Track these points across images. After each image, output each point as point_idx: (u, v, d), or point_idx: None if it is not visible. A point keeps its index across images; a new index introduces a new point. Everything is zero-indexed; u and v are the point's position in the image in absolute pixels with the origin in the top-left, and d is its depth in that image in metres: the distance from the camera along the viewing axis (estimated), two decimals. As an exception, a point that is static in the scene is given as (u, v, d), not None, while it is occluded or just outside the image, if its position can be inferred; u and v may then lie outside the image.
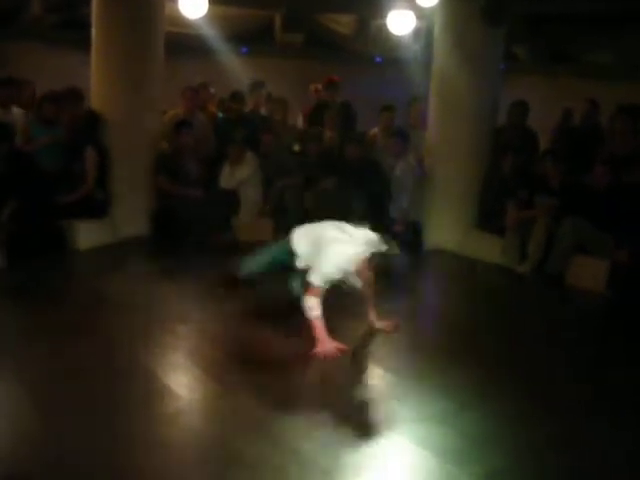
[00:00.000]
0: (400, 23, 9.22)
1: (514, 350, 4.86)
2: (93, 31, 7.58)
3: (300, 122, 9.53)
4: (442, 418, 3.69)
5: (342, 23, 12.40)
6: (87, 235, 7.03)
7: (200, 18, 8.67)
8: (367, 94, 9.98)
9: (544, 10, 8.89)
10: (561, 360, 4.73)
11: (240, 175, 7.81)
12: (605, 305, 6.13)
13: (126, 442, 3.35)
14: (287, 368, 4.30)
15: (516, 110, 7.86)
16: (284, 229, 7.45)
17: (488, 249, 7.28)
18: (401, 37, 9.96)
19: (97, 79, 7.62)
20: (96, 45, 7.59)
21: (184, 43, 10.00)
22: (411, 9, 8.96)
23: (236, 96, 8.74)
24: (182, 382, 4.10)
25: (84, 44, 7.82)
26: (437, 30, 7.84)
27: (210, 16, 8.83)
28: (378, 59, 12.66)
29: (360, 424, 3.62)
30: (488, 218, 7.50)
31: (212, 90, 9.18)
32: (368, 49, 12.45)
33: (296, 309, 4.53)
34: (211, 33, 9.95)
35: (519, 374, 4.40)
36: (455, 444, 3.43)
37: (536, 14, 9.41)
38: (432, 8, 8.05)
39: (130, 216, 7.51)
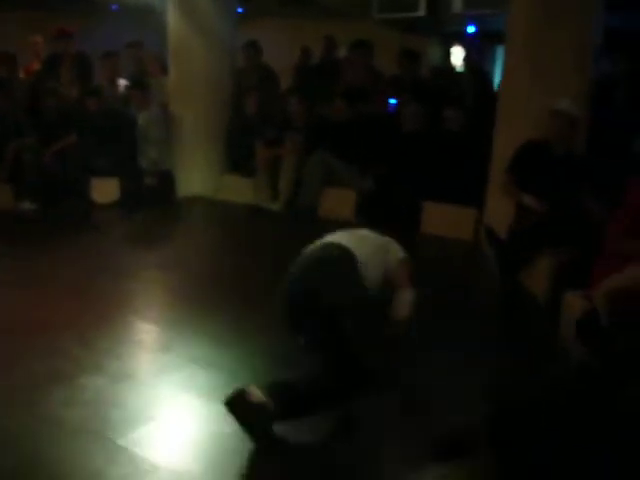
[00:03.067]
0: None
1: (272, 287, 4.93)
2: None
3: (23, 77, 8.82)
4: (204, 359, 3.67)
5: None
6: None
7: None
8: (104, 45, 9.45)
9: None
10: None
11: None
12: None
13: None
14: (52, 341, 3.89)
15: (248, 51, 7.94)
16: (24, 193, 7.04)
17: (241, 191, 7.35)
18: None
19: None
20: None
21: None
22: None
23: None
24: None
25: None
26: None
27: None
28: (114, 7, 12.03)
29: (127, 378, 3.48)
30: (238, 161, 7.54)
31: None
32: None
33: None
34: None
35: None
36: (219, 383, 3.42)
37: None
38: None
39: None
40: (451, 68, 9.29)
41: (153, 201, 7.22)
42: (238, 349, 3.84)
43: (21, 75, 8.73)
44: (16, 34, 9.73)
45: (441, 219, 6.30)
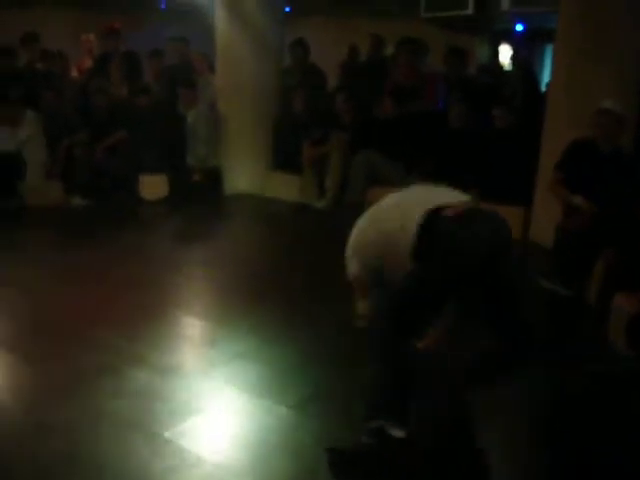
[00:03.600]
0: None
1: (316, 285, 4.94)
2: None
3: (76, 75, 8.98)
4: (248, 356, 3.70)
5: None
6: None
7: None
8: (152, 43, 9.56)
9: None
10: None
11: (21, 136, 7.25)
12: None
13: None
14: (96, 335, 3.95)
15: (295, 49, 7.96)
16: (75, 189, 7.19)
17: (288, 189, 7.37)
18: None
19: None
20: None
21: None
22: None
23: (5, 51, 8.04)
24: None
25: None
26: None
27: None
28: (163, 6, 12.19)
29: (173, 372, 3.52)
30: (286, 158, 7.57)
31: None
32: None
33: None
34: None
35: (321, 305, 4.47)
36: (263, 378, 3.44)
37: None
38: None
39: None
40: (499, 67, 9.19)
41: (201, 198, 7.29)
42: (283, 345, 3.85)
43: (74, 73, 8.89)
44: (69, 33, 9.94)
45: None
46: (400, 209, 3.05)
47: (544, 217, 5.55)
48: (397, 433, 2.61)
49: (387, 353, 2.75)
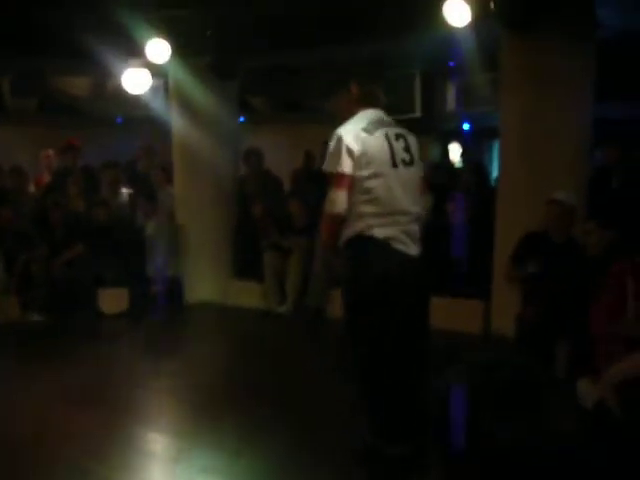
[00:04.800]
0: (135, 82, 9.13)
1: (283, 389, 4.89)
2: None
3: (33, 190, 9.04)
4: (216, 470, 3.61)
5: (77, 85, 12.01)
6: None
7: None
8: (110, 156, 9.71)
9: (273, 62, 9.29)
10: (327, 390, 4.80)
11: (-24, 252, 7.21)
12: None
13: None
14: (62, 454, 3.85)
15: (249, 158, 8.16)
16: (32, 304, 7.10)
17: (249, 296, 7.39)
18: (140, 95, 9.86)
19: None
20: None
21: None
22: (146, 67, 8.92)
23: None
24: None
25: None
26: (170, 86, 7.93)
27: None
28: (119, 119, 12.41)
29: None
30: (246, 266, 7.62)
31: None
32: (108, 110, 12.17)
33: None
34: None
35: (289, 413, 4.41)
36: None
37: (267, 66, 9.80)
38: (165, 65, 8.09)
39: None
40: (450, 164, 9.50)
41: (161, 309, 7.24)
42: (249, 458, 3.75)
43: (31, 188, 8.93)
44: (28, 149, 10.05)
45: (447, 312, 6.26)
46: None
47: (503, 308, 5.63)
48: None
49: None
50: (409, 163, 3.28)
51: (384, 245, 3.15)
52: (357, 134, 3.19)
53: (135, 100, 10.22)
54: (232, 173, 8.00)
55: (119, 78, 9.58)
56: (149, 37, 7.20)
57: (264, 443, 3.94)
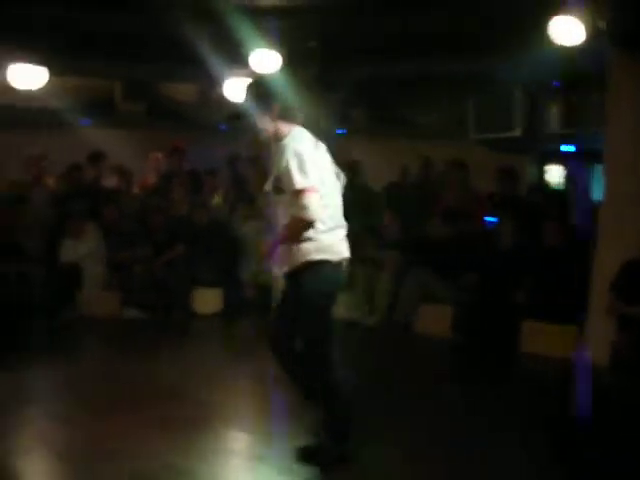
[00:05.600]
0: (239, 90, 9.37)
1: (366, 400, 4.89)
2: None
3: (137, 191, 9.35)
4: (295, 472, 3.63)
5: (184, 92, 12.41)
6: None
7: (38, 90, 8.40)
8: (212, 161, 9.98)
9: (374, 75, 9.36)
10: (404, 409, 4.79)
11: (82, 248, 7.57)
12: (451, 349, 6.37)
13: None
14: (145, 446, 3.97)
15: (350, 170, 8.21)
16: (131, 301, 7.39)
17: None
18: (243, 104, 10.11)
19: None
20: None
21: (21, 116, 9.66)
22: (250, 76, 9.15)
23: (75, 168, 8.51)
24: (30, 467, 3.83)
25: None
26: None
27: (49, 88, 8.59)
28: (222, 126, 12.74)
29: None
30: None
31: (44, 163, 8.81)
32: (212, 117, 12.52)
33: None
34: (51, 105, 9.65)
35: (370, 424, 4.40)
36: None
37: (368, 79, 9.88)
38: (270, 74, 8.28)
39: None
40: (548, 186, 9.30)
41: (253, 313, 7.37)
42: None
43: (136, 189, 9.27)
44: (136, 151, 10.46)
45: (541, 337, 6.14)
46: None
47: (598, 334, 5.48)
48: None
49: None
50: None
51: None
52: (311, 151, 3.51)
53: (238, 108, 10.53)
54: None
55: (223, 86, 9.92)
56: (255, 47, 7.39)
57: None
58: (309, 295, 3.52)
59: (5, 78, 7.80)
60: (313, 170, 3.42)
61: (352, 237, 7.15)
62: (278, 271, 3.68)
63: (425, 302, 6.81)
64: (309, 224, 3.41)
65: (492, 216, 7.31)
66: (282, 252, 3.57)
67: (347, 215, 7.58)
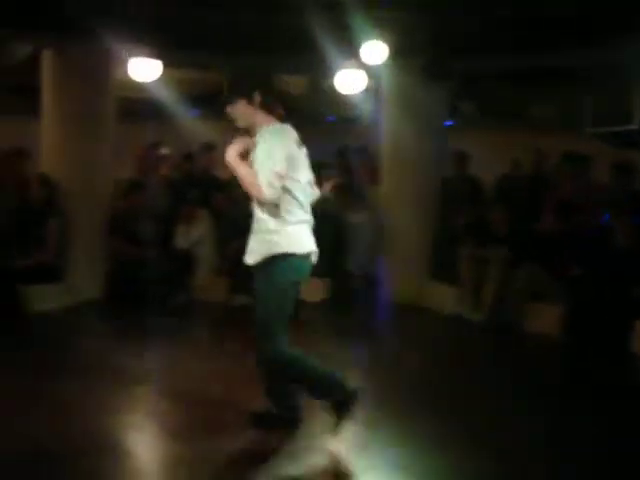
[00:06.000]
0: (349, 82, 9.41)
1: (472, 400, 4.85)
2: (43, 97, 7.62)
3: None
4: (398, 465, 3.66)
5: (293, 84, 12.57)
6: (42, 299, 6.91)
7: (152, 82, 8.73)
8: (320, 153, 10.09)
9: (484, 67, 9.19)
10: (516, 410, 4.70)
11: (194, 234, 7.83)
12: (560, 349, 6.20)
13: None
14: (253, 428, 4.06)
15: (456, 161, 8.13)
16: (240, 288, 7.56)
17: (443, 299, 7.37)
18: (352, 96, 10.16)
19: (48, 145, 7.64)
20: (46, 111, 7.63)
21: (137, 107, 10.05)
22: (360, 68, 9.17)
23: (187, 157, 8.80)
24: (141, 443, 4.01)
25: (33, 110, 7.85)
26: (384, 88, 8.09)
27: (162, 80, 8.91)
28: (331, 118, 12.83)
29: (325, 474, 3.56)
30: (442, 268, 7.60)
31: (164, 151, 9.17)
32: (320, 109, 12.62)
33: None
34: (163, 96, 10.00)
35: (475, 425, 4.36)
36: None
37: (477, 71, 9.71)
38: (379, 66, 8.27)
39: (85, 279, 7.43)
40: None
41: (358, 304, 7.41)
42: (438, 459, 3.77)
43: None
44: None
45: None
46: None
47: None
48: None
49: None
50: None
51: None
52: (289, 145, 3.65)
53: (347, 100, 10.59)
54: (437, 175, 8.03)
55: (333, 78, 9.99)
56: (366, 39, 7.40)
57: (446, 449, 3.91)
58: (275, 284, 3.72)
59: (124, 73, 8.16)
60: (282, 158, 3.57)
61: (458, 231, 7.17)
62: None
63: (534, 300, 6.64)
64: (264, 200, 3.60)
65: (607, 212, 7.06)
66: (251, 244, 3.78)
67: (455, 207, 7.56)
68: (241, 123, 3.77)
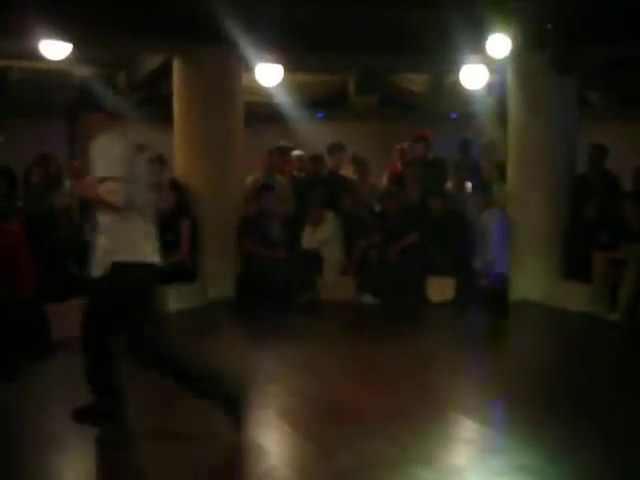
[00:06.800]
0: (473, 77, 9.25)
1: (607, 402, 4.68)
2: (175, 105, 7.98)
3: (384, 181, 9.53)
4: (531, 470, 3.57)
5: (415, 81, 12.50)
6: (177, 299, 7.24)
7: (277, 87, 8.95)
8: (443, 151, 9.99)
9: (614, 55, 8.78)
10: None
11: (321, 235, 7.97)
12: None
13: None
14: (383, 427, 4.11)
15: (595, 153, 7.81)
16: (366, 287, 7.65)
17: (576, 298, 7.12)
18: (475, 91, 9.99)
19: (180, 152, 8.00)
20: (178, 119, 7.98)
21: (262, 111, 10.34)
22: (483, 62, 9.00)
23: (315, 158, 8.95)
24: (274, 441, 4.13)
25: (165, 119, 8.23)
26: (510, 81, 7.93)
27: (286, 84, 9.12)
28: (453, 115, 12.68)
29: (455, 475, 3.55)
30: (574, 266, 7.35)
31: (295, 153, 9.31)
32: (443, 106, 12.49)
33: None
34: (288, 100, 10.23)
35: (609, 428, 4.20)
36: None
37: (606, 60, 9.30)
38: (503, 60, 8.10)
39: (217, 280, 7.73)
40: None
41: (486, 303, 7.30)
42: (562, 464, 3.65)
43: (377, 179, 9.49)
44: (369, 142, 10.76)
45: None
46: None
47: None
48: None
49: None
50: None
51: None
52: (127, 150, 3.70)
53: (469, 96, 10.43)
54: (569, 170, 7.77)
55: (456, 74, 9.86)
56: (490, 33, 7.26)
57: (577, 452, 3.79)
58: (119, 294, 3.76)
59: (252, 78, 8.41)
60: (119, 163, 3.63)
61: (592, 227, 6.88)
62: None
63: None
64: (115, 209, 3.66)
65: None
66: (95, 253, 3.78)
67: (592, 204, 7.26)
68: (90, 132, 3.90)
